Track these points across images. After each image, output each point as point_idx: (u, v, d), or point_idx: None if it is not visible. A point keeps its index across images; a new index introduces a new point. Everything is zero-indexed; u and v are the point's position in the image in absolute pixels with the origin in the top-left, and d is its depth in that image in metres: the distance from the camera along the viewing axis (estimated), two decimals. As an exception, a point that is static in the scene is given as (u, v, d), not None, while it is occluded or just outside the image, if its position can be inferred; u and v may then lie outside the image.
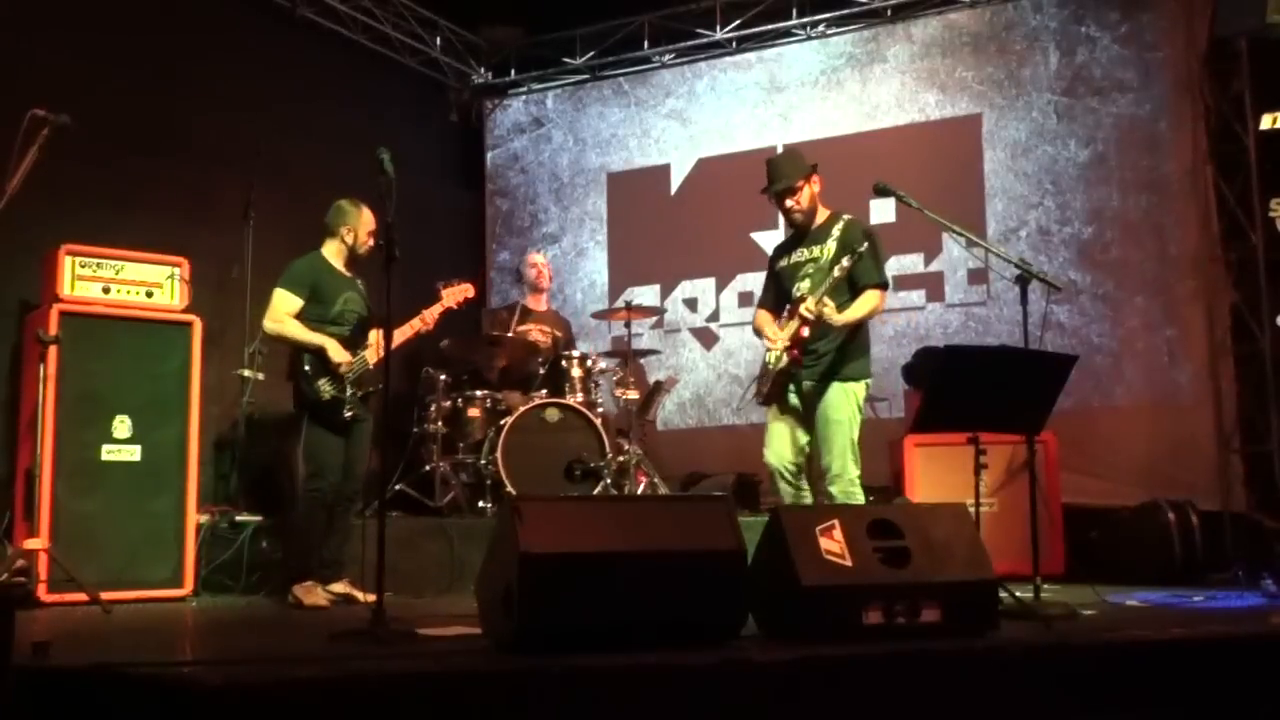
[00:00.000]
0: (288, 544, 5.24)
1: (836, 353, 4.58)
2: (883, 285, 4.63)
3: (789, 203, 4.73)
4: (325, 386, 4.92)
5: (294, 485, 5.16)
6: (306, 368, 4.93)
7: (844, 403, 4.56)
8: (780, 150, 4.87)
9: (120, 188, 5.95)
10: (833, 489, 4.52)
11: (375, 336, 5.08)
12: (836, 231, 4.66)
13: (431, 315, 5.21)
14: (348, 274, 5.15)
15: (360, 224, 5.10)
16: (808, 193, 4.71)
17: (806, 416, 4.66)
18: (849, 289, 4.55)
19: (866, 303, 4.55)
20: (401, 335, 5.08)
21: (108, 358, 5.10)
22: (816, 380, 4.60)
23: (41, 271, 5.13)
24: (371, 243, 5.09)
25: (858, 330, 4.61)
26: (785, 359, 4.59)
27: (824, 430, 4.56)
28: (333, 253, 5.13)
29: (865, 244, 4.50)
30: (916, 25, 7.44)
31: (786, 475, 4.67)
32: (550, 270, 7.20)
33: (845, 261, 4.46)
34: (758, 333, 4.97)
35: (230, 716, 2.44)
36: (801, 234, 4.80)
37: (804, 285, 4.64)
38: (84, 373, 5.01)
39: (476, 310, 7.74)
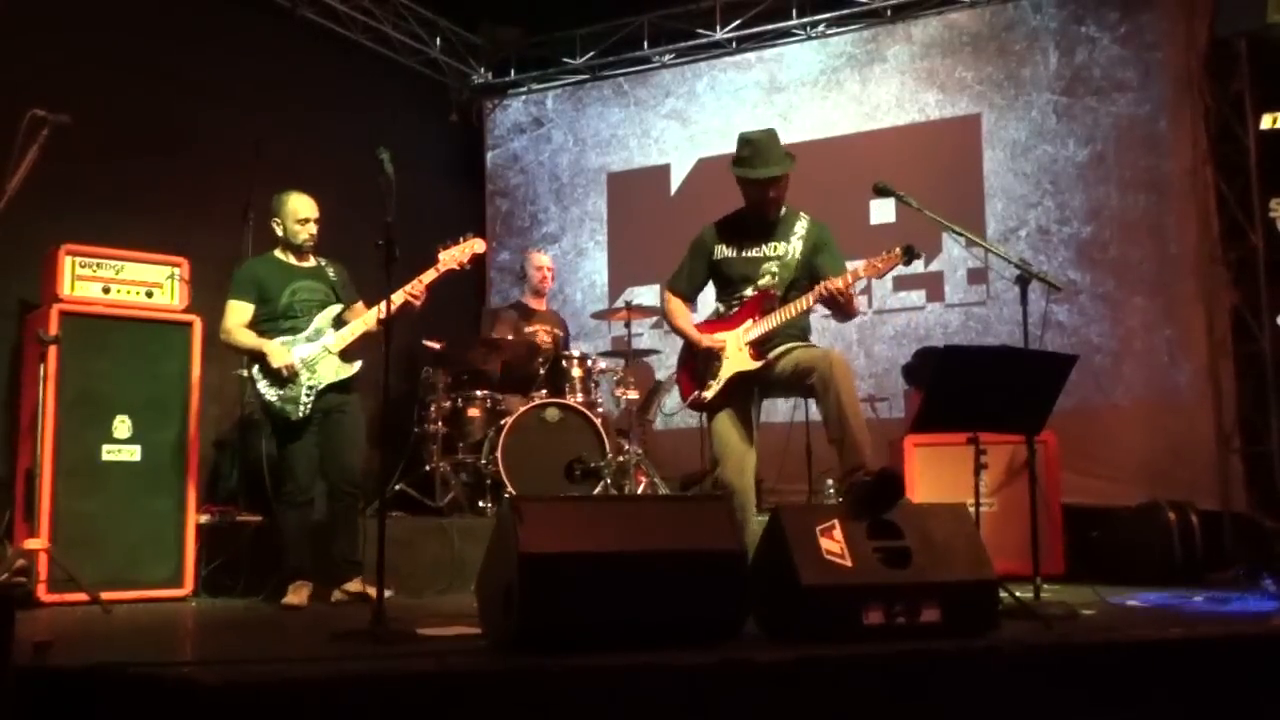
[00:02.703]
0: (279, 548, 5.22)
1: (794, 336, 4.39)
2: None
3: (773, 194, 4.34)
4: (268, 389, 4.88)
5: (271, 487, 5.12)
6: (251, 373, 4.92)
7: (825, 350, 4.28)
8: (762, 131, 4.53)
9: (120, 188, 5.94)
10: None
11: (352, 318, 5.02)
12: (801, 230, 4.38)
13: (421, 284, 4.89)
14: (304, 263, 5.09)
15: (285, 213, 5.06)
16: (785, 186, 4.39)
17: (750, 423, 4.34)
18: (810, 282, 4.32)
19: None
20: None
21: (108, 358, 5.10)
22: (782, 357, 4.28)
23: (41, 271, 5.13)
24: (303, 230, 5.02)
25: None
26: (755, 363, 4.26)
27: (836, 384, 4.03)
28: (280, 248, 5.12)
29: (830, 239, 4.41)
30: (916, 25, 7.44)
31: (752, 499, 4.33)
32: (554, 273, 7.20)
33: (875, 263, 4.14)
34: (680, 331, 4.49)
35: (230, 716, 2.44)
36: (756, 226, 4.41)
37: (765, 281, 4.33)
38: (84, 373, 5.01)
39: (476, 310, 7.75)
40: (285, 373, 4.85)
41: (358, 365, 4.99)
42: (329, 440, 4.98)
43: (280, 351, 4.87)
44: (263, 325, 4.98)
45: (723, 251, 4.46)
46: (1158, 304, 6.57)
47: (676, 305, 4.56)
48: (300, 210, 5.06)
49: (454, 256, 4.98)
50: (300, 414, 4.87)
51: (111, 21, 6.07)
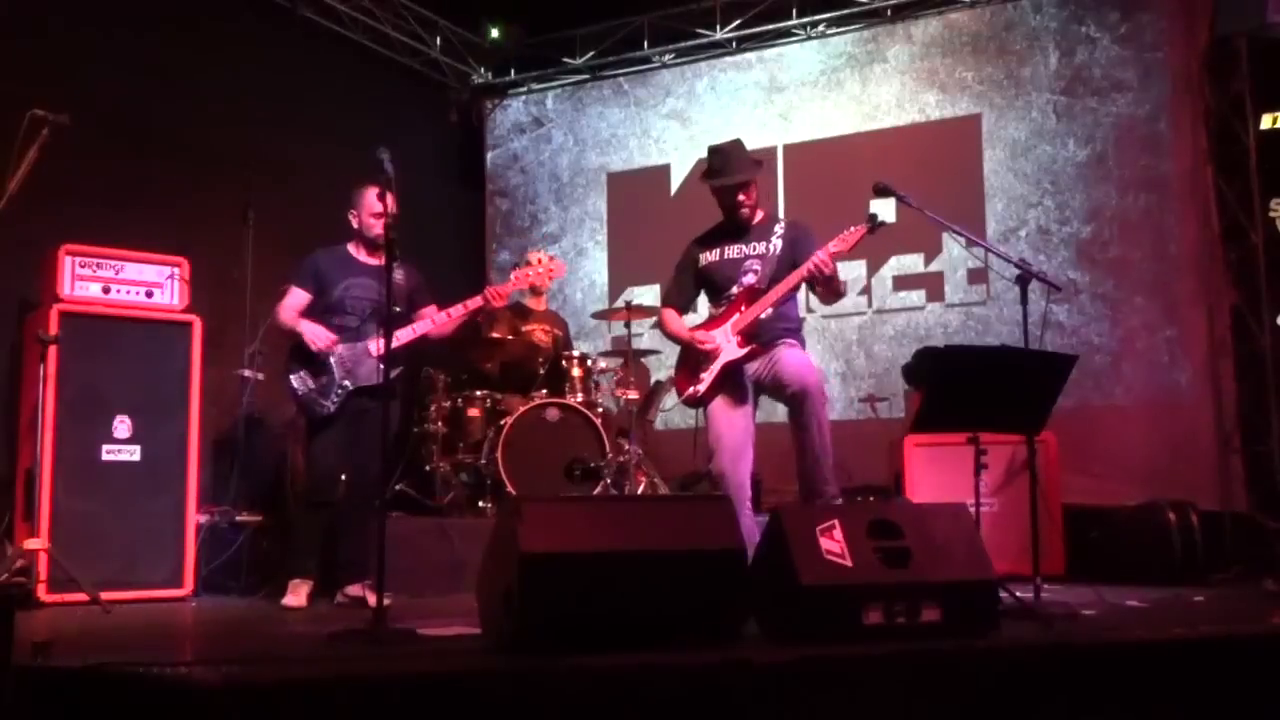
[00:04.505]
0: (285, 543, 5.22)
1: (783, 331, 4.50)
2: None
3: (742, 197, 4.54)
4: (299, 383, 4.86)
5: (293, 484, 5.14)
6: (289, 362, 4.89)
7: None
8: (734, 142, 4.70)
9: (120, 188, 5.95)
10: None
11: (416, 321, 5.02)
12: (780, 230, 4.53)
13: (501, 291, 5.00)
14: (371, 260, 4.97)
15: (362, 205, 4.97)
16: (754, 190, 4.57)
17: (745, 414, 4.46)
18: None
19: None
20: (456, 314, 4.99)
21: (108, 358, 5.10)
22: (772, 348, 4.43)
23: (41, 271, 5.13)
24: (376, 224, 4.87)
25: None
26: (741, 350, 4.39)
27: (809, 416, 4.26)
28: (354, 242, 5.05)
29: (810, 231, 4.56)
30: (916, 25, 7.44)
31: (747, 492, 4.39)
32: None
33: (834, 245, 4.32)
34: (673, 336, 4.70)
35: (230, 716, 2.44)
36: (733, 230, 4.60)
37: (749, 279, 4.48)
38: (84, 373, 5.01)
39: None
40: (321, 356, 4.79)
41: (396, 370, 4.88)
42: (353, 442, 4.90)
43: (318, 333, 4.80)
44: (314, 316, 4.94)
45: (707, 259, 4.64)
46: (1158, 304, 6.57)
47: (668, 313, 4.77)
48: (373, 205, 4.90)
49: (524, 275, 5.30)
50: (327, 410, 4.83)
51: (111, 21, 6.08)
